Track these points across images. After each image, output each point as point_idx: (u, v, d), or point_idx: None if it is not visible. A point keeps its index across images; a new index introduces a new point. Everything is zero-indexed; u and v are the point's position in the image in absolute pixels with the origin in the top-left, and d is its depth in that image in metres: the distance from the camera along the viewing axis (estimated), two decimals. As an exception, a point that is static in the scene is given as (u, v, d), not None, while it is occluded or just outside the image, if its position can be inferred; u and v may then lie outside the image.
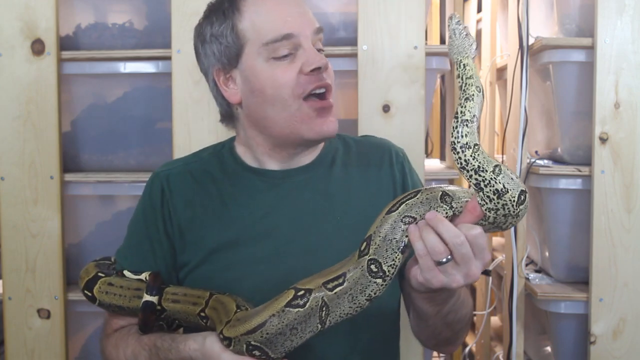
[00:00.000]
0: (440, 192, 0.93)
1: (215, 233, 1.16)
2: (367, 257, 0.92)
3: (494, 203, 0.90)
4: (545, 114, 1.91)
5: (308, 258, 1.12)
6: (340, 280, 0.93)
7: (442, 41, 2.48)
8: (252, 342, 0.93)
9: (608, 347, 1.68)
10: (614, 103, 1.65)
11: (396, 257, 0.92)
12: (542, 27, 1.87)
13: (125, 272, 1.17)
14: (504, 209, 0.90)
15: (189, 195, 1.19)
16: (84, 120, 1.79)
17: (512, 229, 1.81)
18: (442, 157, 2.42)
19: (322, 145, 1.24)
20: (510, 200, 0.89)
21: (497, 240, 2.64)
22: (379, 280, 0.92)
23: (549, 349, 1.94)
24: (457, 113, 0.92)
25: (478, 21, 2.67)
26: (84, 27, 1.75)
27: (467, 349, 2.45)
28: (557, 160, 1.83)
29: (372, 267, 0.92)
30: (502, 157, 2.02)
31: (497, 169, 0.89)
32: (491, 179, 0.89)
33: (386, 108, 1.62)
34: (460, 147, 0.90)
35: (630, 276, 1.67)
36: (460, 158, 0.90)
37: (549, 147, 1.91)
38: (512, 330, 1.80)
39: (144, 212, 1.20)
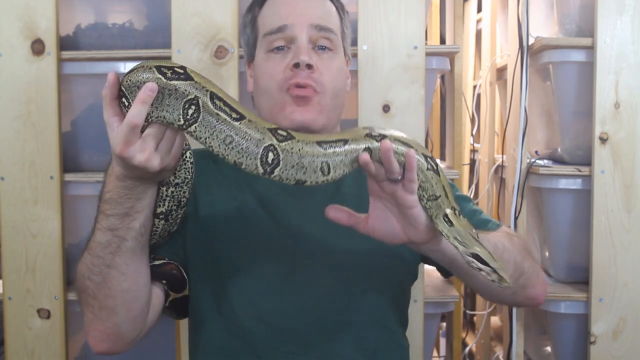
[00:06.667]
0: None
1: (227, 217, 1.17)
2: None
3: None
4: (545, 114, 1.91)
5: (316, 248, 1.15)
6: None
7: (442, 41, 2.48)
8: (121, 86, 0.91)
9: (608, 347, 1.68)
10: (614, 103, 1.65)
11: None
12: (542, 27, 1.87)
13: None
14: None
15: (207, 174, 1.19)
16: (84, 120, 1.79)
17: (512, 228, 1.81)
18: (442, 157, 2.42)
19: None
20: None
21: (497, 240, 2.63)
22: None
23: (549, 349, 1.94)
24: None
25: (478, 21, 2.67)
26: (84, 27, 1.75)
27: (467, 349, 2.45)
28: (557, 160, 1.83)
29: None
30: (502, 157, 2.02)
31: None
32: None
33: (386, 108, 1.62)
34: None
35: (630, 276, 1.67)
36: None
37: (549, 147, 1.91)
38: (512, 330, 1.80)
39: None
